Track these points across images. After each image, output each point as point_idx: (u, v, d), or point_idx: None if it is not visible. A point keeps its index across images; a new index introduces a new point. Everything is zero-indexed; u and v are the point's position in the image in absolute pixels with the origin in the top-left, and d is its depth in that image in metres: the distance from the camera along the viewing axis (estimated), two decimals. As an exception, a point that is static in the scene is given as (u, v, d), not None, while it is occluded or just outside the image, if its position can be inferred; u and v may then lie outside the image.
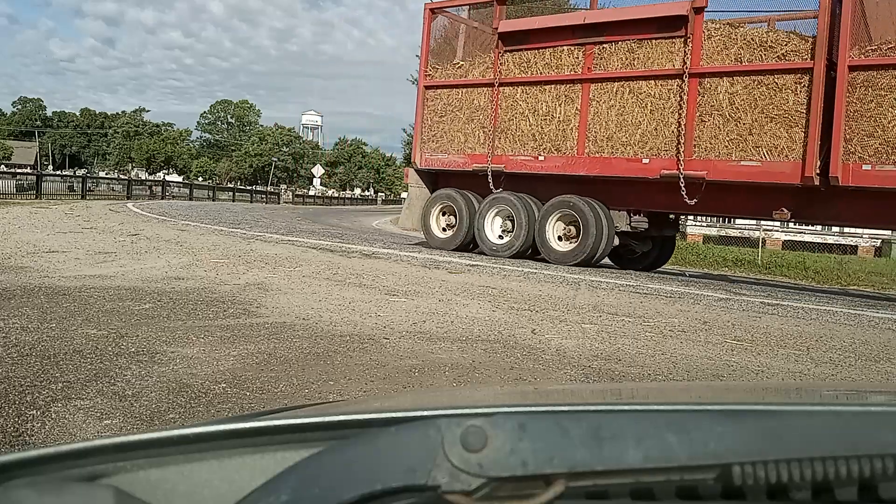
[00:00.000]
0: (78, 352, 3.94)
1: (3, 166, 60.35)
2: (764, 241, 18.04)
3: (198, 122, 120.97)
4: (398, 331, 5.22)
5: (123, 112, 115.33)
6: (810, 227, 23.57)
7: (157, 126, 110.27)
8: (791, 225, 24.01)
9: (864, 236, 22.72)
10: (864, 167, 9.06)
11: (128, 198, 26.87)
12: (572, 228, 11.47)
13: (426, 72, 13.31)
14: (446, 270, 9.58)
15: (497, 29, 12.24)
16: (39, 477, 0.54)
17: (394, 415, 0.57)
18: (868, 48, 9.17)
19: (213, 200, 35.63)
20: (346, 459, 0.52)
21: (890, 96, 8.81)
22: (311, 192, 61.72)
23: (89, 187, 27.24)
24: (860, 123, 9.05)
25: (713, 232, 23.59)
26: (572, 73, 11.37)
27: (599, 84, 11.11)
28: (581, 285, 9.05)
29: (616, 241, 11.55)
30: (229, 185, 61.44)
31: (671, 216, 12.66)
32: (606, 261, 13.27)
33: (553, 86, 11.58)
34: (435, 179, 13.69)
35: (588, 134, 11.17)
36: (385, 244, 13.28)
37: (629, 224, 11.41)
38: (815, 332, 6.64)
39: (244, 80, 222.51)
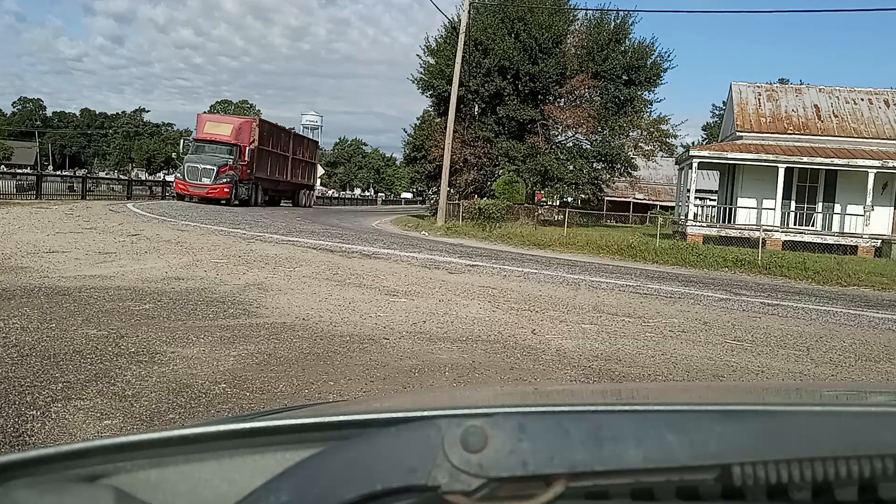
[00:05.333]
0: (78, 352, 3.94)
1: (3, 166, 60.29)
2: (764, 241, 18.03)
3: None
4: (398, 331, 5.22)
5: (123, 112, 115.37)
6: (810, 228, 23.59)
7: (158, 126, 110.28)
8: (791, 225, 24.04)
9: (864, 236, 22.71)
10: None
11: (128, 198, 26.82)
12: None
13: None
14: (446, 271, 9.58)
15: None
16: (39, 477, 0.54)
17: (394, 415, 0.57)
18: None
19: (214, 200, 35.67)
20: (346, 459, 0.52)
21: None
22: (311, 193, 61.65)
23: (89, 187, 27.13)
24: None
25: (713, 232, 23.59)
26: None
27: None
28: (581, 286, 9.05)
29: None
30: (229, 186, 61.10)
31: None
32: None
33: None
34: None
35: None
36: (385, 244, 13.28)
37: None
38: (815, 332, 6.64)
39: (253, 80, 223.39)
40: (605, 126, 31.91)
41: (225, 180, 25.79)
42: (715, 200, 31.29)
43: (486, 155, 31.81)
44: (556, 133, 32.90)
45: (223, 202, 25.33)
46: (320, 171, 61.72)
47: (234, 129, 27.62)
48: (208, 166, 25.72)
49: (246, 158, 27.29)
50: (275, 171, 31.07)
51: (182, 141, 31.48)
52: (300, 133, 39.03)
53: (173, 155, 34.68)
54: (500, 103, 31.42)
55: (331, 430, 0.57)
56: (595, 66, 31.17)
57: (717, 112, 67.30)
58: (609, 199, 44.05)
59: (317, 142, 44.55)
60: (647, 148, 33.71)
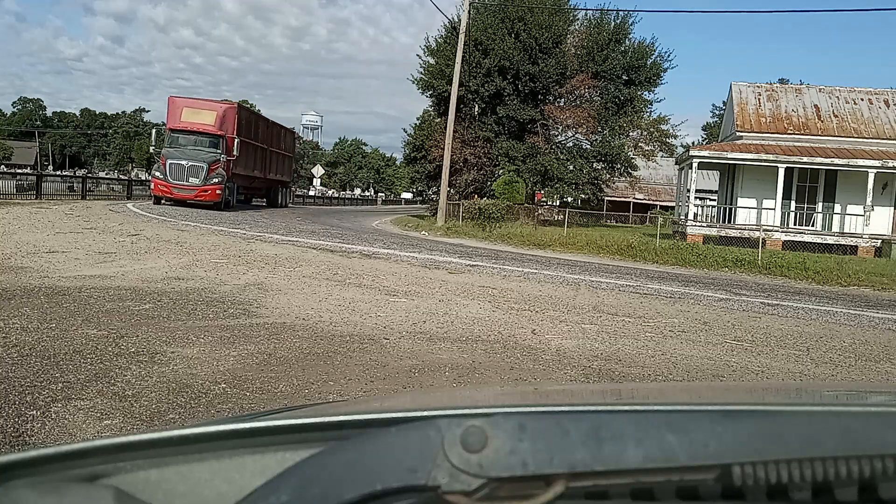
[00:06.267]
0: (78, 352, 3.94)
1: (3, 166, 60.27)
2: (764, 241, 18.03)
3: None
4: (398, 331, 5.22)
5: (123, 112, 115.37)
6: (810, 228, 23.59)
7: (158, 126, 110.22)
8: (791, 225, 24.05)
9: (864, 236, 22.71)
10: None
11: (128, 198, 26.84)
12: None
13: None
14: (446, 271, 9.58)
15: None
16: (39, 477, 0.54)
17: (394, 415, 0.57)
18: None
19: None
20: (346, 459, 0.52)
21: None
22: (311, 192, 61.66)
23: (89, 187, 27.08)
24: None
25: (713, 232, 23.60)
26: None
27: None
28: (581, 286, 9.05)
29: None
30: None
31: None
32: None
33: None
34: None
35: None
36: (385, 244, 13.28)
37: None
38: (815, 332, 6.64)
39: (253, 80, 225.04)
40: (605, 126, 31.92)
41: (216, 180, 21.45)
42: (715, 200, 31.29)
43: (486, 155, 31.81)
44: (556, 133, 32.91)
45: (210, 206, 21.13)
46: (320, 170, 61.23)
47: (218, 117, 23.05)
48: (197, 163, 21.24)
49: (234, 153, 22.86)
50: (251, 166, 26.26)
51: (154, 131, 25.58)
52: (278, 122, 32.10)
53: (151, 149, 27.84)
54: (500, 103, 31.42)
55: (331, 430, 0.57)
56: (595, 66, 31.17)
57: (717, 112, 67.31)
58: (609, 199, 44.05)
59: (293, 131, 37.57)
60: (647, 148, 33.73)
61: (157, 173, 21.80)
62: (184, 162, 21.30)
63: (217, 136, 22.58)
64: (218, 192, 21.63)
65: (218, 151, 22.27)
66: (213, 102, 25.39)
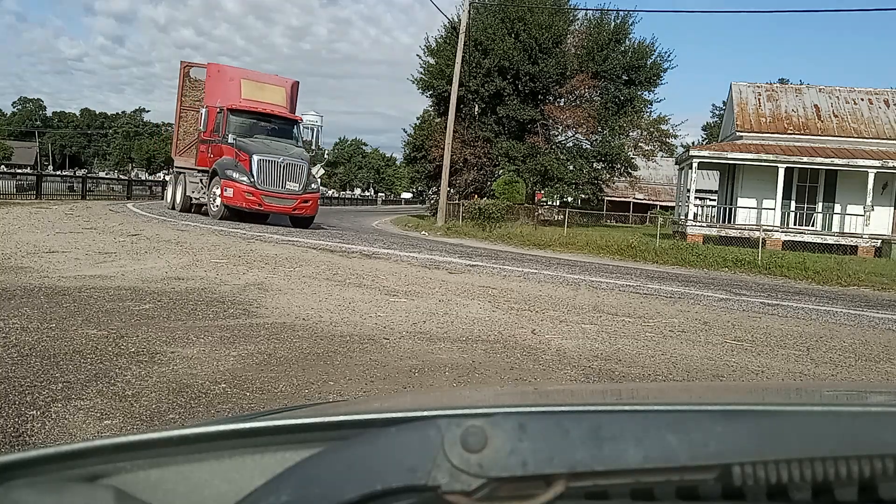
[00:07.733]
0: (78, 352, 3.93)
1: (3, 166, 60.28)
2: (764, 241, 18.03)
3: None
4: (398, 331, 5.21)
5: (123, 112, 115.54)
6: (810, 228, 23.62)
7: (158, 126, 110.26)
8: (791, 225, 24.06)
9: (864, 236, 22.72)
10: None
11: (128, 198, 26.88)
12: None
13: None
14: (446, 271, 9.58)
15: None
16: (39, 477, 0.54)
17: (394, 415, 0.57)
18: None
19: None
20: (346, 459, 0.52)
21: None
22: (311, 193, 61.39)
23: (89, 187, 27.15)
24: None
25: (713, 232, 23.61)
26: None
27: None
28: (581, 286, 9.05)
29: None
30: (229, 186, 60.46)
31: None
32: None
33: None
34: None
35: None
36: (385, 244, 13.28)
37: None
38: (815, 332, 6.64)
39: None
40: (605, 126, 31.96)
41: (314, 186, 15.48)
42: (715, 200, 31.31)
43: (486, 155, 31.83)
44: (556, 133, 32.94)
45: (307, 221, 15.39)
46: (320, 170, 60.86)
47: (287, 96, 16.70)
48: (295, 161, 14.79)
49: (320, 145, 16.84)
50: None
51: (205, 110, 15.85)
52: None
53: (229, 137, 14.24)
54: (500, 103, 31.44)
55: (331, 430, 0.57)
56: (595, 66, 31.20)
57: (717, 112, 67.34)
58: (609, 199, 44.08)
59: None
60: (647, 148, 33.79)
61: (238, 175, 14.39)
62: (279, 159, 14.62)
63: (293, 123, 16.24)
64: (317, 202, 15.88)
65: (299, 144, 15.97)
66: (272, 76, 18.21)
